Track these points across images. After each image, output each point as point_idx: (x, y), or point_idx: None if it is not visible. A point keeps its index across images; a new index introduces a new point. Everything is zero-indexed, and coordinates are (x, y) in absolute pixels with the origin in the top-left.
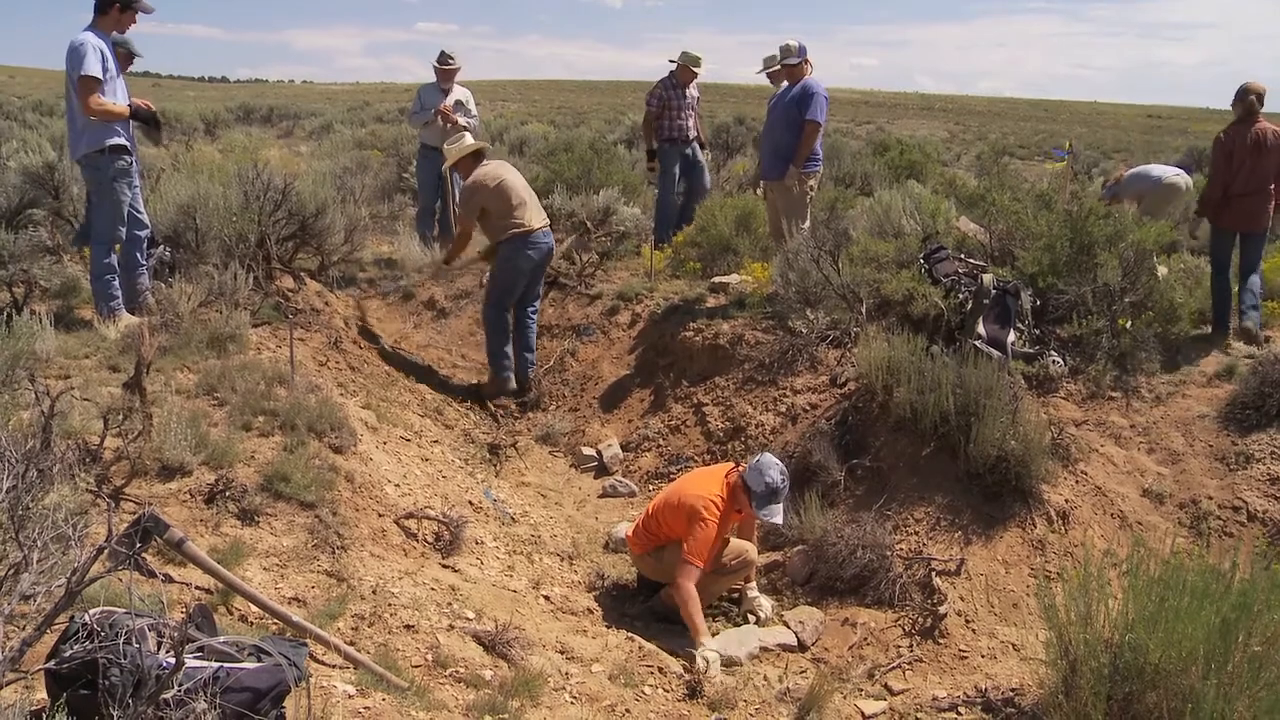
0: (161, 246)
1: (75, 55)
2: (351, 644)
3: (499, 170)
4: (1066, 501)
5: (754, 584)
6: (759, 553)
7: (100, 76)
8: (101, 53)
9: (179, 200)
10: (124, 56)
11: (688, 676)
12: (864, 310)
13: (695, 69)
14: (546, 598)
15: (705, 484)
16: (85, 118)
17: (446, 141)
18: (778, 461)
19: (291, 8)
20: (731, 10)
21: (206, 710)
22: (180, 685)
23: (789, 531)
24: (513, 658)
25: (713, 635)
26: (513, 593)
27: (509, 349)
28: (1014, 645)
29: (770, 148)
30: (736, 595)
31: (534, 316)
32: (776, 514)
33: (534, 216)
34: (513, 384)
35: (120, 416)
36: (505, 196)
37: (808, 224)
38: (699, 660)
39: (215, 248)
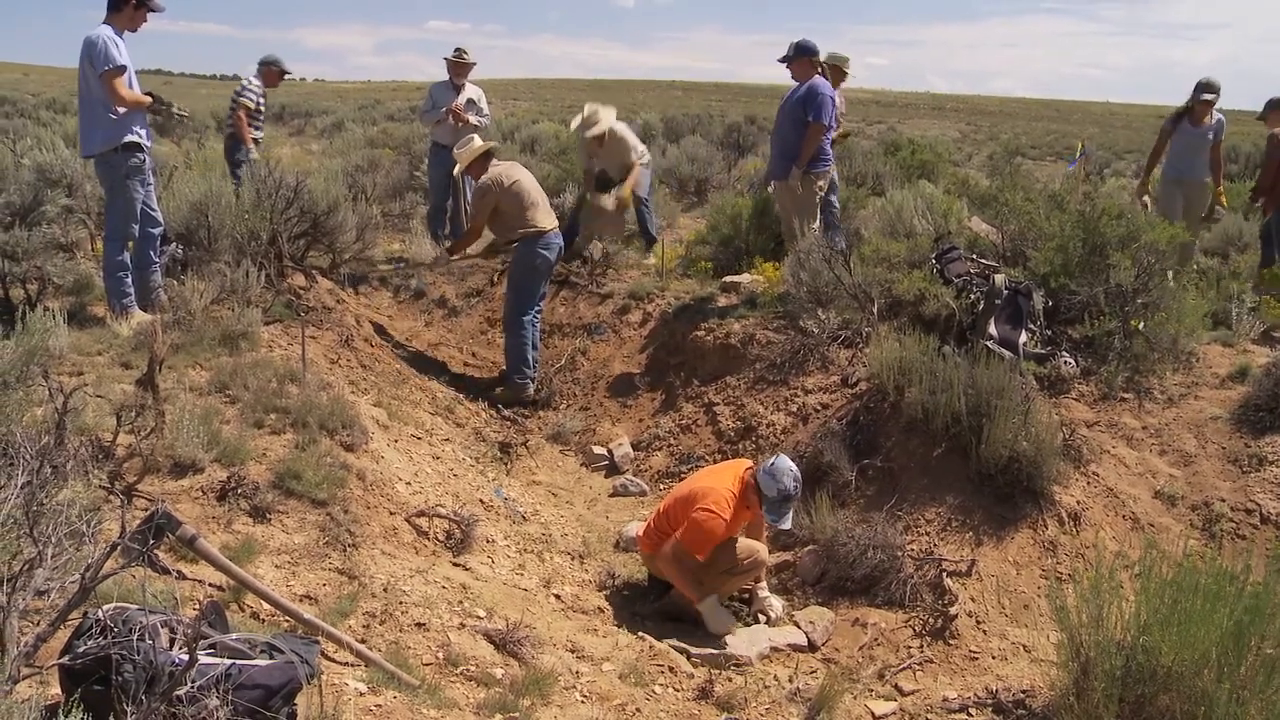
0: (174, 244)
1: (94, 49)
2: (363, 642)
3: (512, 170)
4: (1078, 503)
5: (765, 584)
6: (769, 552)
7: (127, 66)
8: (119, 47)
9: (192, 198)
10: (276, 74)
11: (699, 674)
12: (876, 310)
13: (846, 69)
14: (557, 596)
15: (719, 478)
16: (99, 114)
17: (455, 146)
18: (793, 467)
19: (303, 6)
20: (742, 9)
21: (219, 707)
22: (193, 682)
23: (800, 531)
24: (523, 656)
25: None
26: (524, 591)
27: (530, 356)
28: (1025, 646)
29: (778, 147)
30: (747, 595)
31: (539, 315)
32: (786, 520)
33: (545, 218)
34: (531, 392)
35: (133, 413)
36: (519, 197)
37: (817, 224)
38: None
39: (227, 245)
